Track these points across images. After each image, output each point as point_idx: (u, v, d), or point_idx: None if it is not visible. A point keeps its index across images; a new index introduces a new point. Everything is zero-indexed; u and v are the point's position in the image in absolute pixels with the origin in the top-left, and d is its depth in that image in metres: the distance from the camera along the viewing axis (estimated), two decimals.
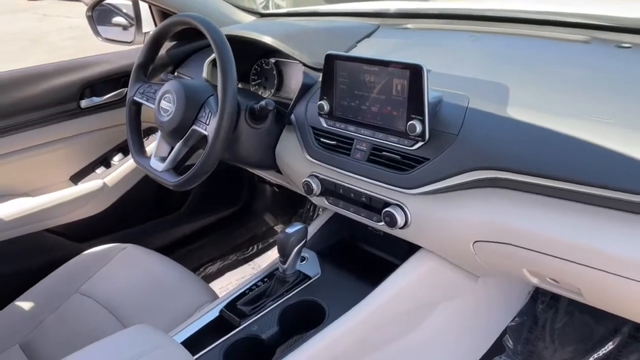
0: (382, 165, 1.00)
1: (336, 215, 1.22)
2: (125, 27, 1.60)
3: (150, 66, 1.27)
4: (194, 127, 1.11)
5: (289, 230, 1.05)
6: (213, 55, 1.40)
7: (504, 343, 1.34)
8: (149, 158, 1.22)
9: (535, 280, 0.96)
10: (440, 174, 0.92)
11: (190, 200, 1.78)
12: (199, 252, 1.83)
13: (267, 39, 1.22)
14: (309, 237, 1.20)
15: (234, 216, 1.91)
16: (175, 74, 1.58)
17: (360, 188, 1.05)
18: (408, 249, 1.09)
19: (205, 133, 1.08)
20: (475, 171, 0.88)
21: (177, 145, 1.14)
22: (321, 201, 1.15)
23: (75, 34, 6.92)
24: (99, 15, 1.64)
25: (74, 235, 1.55)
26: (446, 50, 1.18)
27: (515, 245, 0.88)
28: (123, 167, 1.59)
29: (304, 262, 1.15)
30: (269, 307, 1.03)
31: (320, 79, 1.09)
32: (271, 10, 1.73)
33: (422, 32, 1.35)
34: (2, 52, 6.34)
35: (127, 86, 1.28)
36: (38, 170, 1.51)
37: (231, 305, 1.05)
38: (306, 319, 1.01)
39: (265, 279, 1.11)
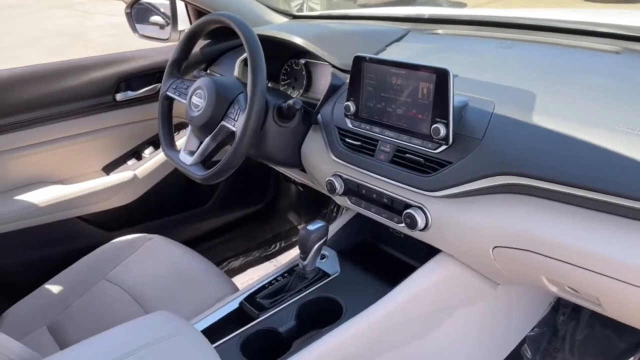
0: (405, 167, 1.01)
1: (358, 216, 1.23)
2: (161, 25, 1.65)
3: (184, 63, 1.30)
4: (223, 122, 1.14)
5: (311, 227, 1.07)
6: (245, 54, 1.44)
7: (522, 353, 1.33)
8: (178, 151, 1.26)
9: (554, 289, 0.95)
10: (463, 178, 0.92)
11: (217, 195, 1.82)
12: (223, 247, 1.86)
13: (298, 40, 1.24)
14: (330, 235, 1.22)
15: (258, 213, 1.94)
16: (208, 71, 1.62)
17: (382, 189, 1.06)
18: (428, 252, 1.09)
19: (234, 129, 1.11)
20: (497, 176, 0.89)
21: (206, 140, 1.17)
22: (344, 201, 1.17)
23: (114, 32, 7.09)
24: (137, 12, 1.69)
25: (103, 224, 1.60)
26: (475, 56, 1.18)
27: (535, 252, 0.87)
28: (153, 160, 1.63)
29: (324, 260, 1.17)
30: (287, 301, 1.05)
31: (347, 80, 1.11)
32: (304, 13, 1.75)
33: (452, 38, 1.35)
34: (45, 47, 6.55)
35: (161, 81, 1.33)
36: (72, 159, 1.57)
37: (251, 298, 1.08)
38: (323, 315, 1.02)
39: (285, 274, 1.14)
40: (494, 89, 0.99)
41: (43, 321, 1.22)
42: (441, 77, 0.92)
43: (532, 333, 1.34)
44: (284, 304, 1.05)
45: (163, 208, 1.70)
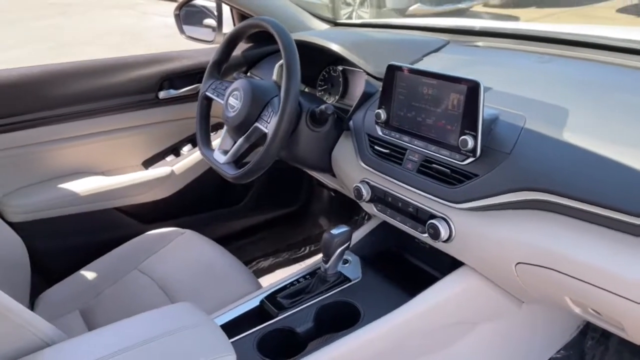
0: (431, 178, 1.01)
1: (384, 224, 1.24)
2: (207, 27, 1.70)
3: (224, 65, 1.34)
4: (257, 124, 1.17)
5: (334, 231, 1.08)
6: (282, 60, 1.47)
7: None
8: (213, 150, 1.29)
9: (577, 310, 0.93)
10: (488, 191, 0.91)
11: (251, 195, 1.85)
12: (253, 247, 1.89)
13: (334, 47, 1.26)
14: (355, 241, 1.23)
15: (290, 216, 1.96)
16: (248, 74, 1.66)
17: (408, 198, 1.06)
18: (452, 265, 1.08)
19: (266, 131, 1.13)
20: (523, 191, 0.88)
21: (240, 141, 1.20)
22: (370, 207, 1.18)
23: (169, 32, 7.32)
24: (186, 14, 1.75)
25: (139, 216, 1.66)
26: (512, 69, 1.17)
27: (558, 271, 0.86)
28: (191, 157, 1.68)
29: (347, 264, 1.18)
30: (307, 303, 1.07)
31: (380, 88, 1.11)
32: (345, 20, 1.77)
33: (491, 51, 1.34)
34: (105, 45, 6.83)
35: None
36: (115, 152, 1.64)
37: (271, 297, 1.10)
38: (341, 319, 1.03)
39: (307, 276, 1.15)
40: (527, 103, 0.98)
41: (76, 305, 1.27)
42: (472, 88, 0.92)
43: (557, 355, 1.30)
44: (303, 305, 1.06)
45: (197, 204, 1.75)
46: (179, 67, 1.62)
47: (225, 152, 1.24)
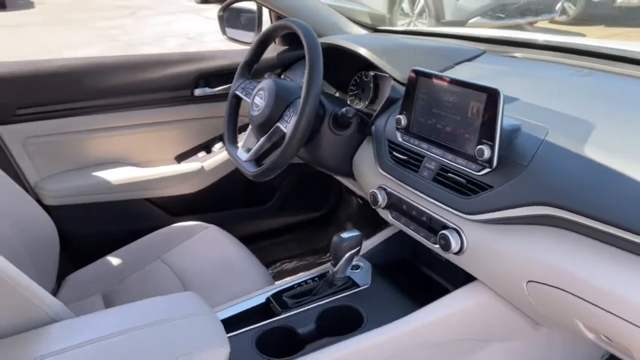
0: (446, 187, 0.98)
1: (401, 233, 1.21)
2: (247, 30, 1.73)
3: (255, 65, 1.36)
4: (278, 124, 1.18)
5: (344, 235, 1.07)
6: None
7: None
8: (238, 148, 1.31)
9: (591, 336, 0.88)
10: (502, 204, 0.88)
11: (278, 196, 1.86)
12: (278, 248, 1.90)
13: (362, 51, 1.26)
14: (369, 248, 1.21)
15: (317, 220, 1.96)
16: (282, 76, 1.68)
17: (422, 206, 1.04)
18: (466, 279, 1.05)
19: (285, 131, 1.14)
20: (537, 206, 0.84)
21: (262, 140, 1.21)
22: (386, 214, 1.16)
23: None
24: (228, 16, 1.79)
25: (168, 208, 1.70)
26: (545, 81, 1.12)
27: (569, 292, 0.81)
28: (221, 155, 1.71)
29: (358, 270, 1.16)
30: (311, 304, 1.06)
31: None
32: (386, 27, 1.76)
33: (527, 62, 1.30)
34: (166, 47, 7.10)
35: None
36: (149, 145, 1.69)
37: (277, 295, 1.10)
38: (343, 324, 1.02)
39: (316, 279, 1.14)
40: (553, 116, 0.94)
41: (99, 289, 1.32)
42: (491, 97, 0.89)
43: None
44: (307, 306, 1.06)
45: (225, 201, 1.77)
46: (214, 66, 1.66)
47: (248, 150, 1.26)
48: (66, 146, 1.57)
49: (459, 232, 0.96)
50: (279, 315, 1.04)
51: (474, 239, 0.94)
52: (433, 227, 1.02)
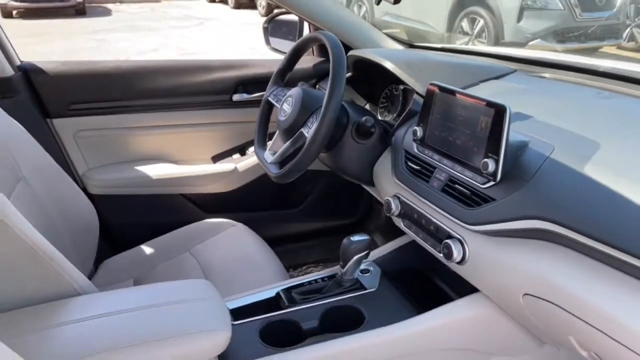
0: (453, 198, 1.01)
1: (413, 243, 1.24)
2: (289, 41, 1.82)
3: (288, 73, 1.44)
4: (302, 129, 1.24)
5: (354, 238, 1.11)
6: (348, 74, 1.54)
7: None
8: (265, 150, 1.39)
9: (584, 354, 0.88)
10: (501, 216, 0.90)
11: (308, 201, 1.92)
12: (305, 252, 1.95)
13: (388, 64, 1.30)
14: (381, 254, 1.25)
15: (345, 228, 2.00)
16: (317, 86, 1.75)
17: (430, 216, 1.07)
18: (472, 291, 1.07)
19: (307, 135, 1.20)
20: (535, 220, 0.86)
21: (287, 144, 1.28)
22: (398, 222, 1.19)
23: None
24: (273, 27, 1.89)
25: (201, 205, 1.80)
26: (565, 101, 1.13)
27: (562, 308, 0.82)
28: (254, 157, 1.80)
29: (367, 274, 1.20)
30: (317, 302, 1.11)
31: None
32: (423, 44, 1.80)
33: (553, 82, 1.30)
34: (221, 56, 7.39)
35: None
36: (188, 145, 1.80)
37: (287, 291, 1.15)
38: (345, 323, 1.06)
39: (326, 278, 1.19)
40: (563, 134, 0.95)
41: (131, 275, 1.41)
42: (498, 112, 0.92)
43: None
44: (313, 303, 1.11)
45: (256, 202, 1.85)
46: (253, 74, 1.75)
47: (274, 153, 1.33)
48: (113, 141, 1.70)
49: (461, 242, 0.98)
50: (285, 308, 1.09)
51: (476, 250, 0.96)
52: (439, 236, 1.05)
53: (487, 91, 1.23)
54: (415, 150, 1.14)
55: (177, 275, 1.39)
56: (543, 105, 1.10)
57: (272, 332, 1.05)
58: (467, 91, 1.01)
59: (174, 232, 1.56)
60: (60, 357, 0.81)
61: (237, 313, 1.08)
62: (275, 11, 1.89)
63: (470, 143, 0.98)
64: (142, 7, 13.15)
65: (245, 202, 1.82)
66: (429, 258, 1.21)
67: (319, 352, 0.99)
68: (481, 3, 6.12)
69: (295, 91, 1.29)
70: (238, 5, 12.40)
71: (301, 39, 1.36)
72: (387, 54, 1.37)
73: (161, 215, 1.74)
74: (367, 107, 1.58)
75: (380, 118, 1.50)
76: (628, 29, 5.97)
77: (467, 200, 0.98)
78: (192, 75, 1.70)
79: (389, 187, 1.21)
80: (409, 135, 1.18)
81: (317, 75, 1.75)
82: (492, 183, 0.93)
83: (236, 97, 1.76)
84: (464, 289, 1.12)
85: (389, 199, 1.17)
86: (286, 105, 1.29)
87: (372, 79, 1.53)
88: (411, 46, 1.78)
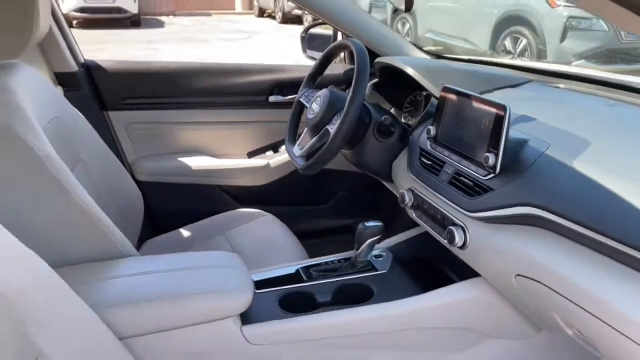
0: (458, 189, 1.11)
1: (426, 234, 1.34)
2: (324, 49, 1.96)
3: (319, 77, 1.57)
4: (327, 126, 1.37)
5: (367, 224, 1.23)
6: (375, 79, 1.66)
7: None
8: (295, 146, 1.52)
9: (570, 332, 0.96)
10: (497, 203, 1.00)
11: (337, 198, 2.05)
12: (329, 247, 2.04)
13: (409, 70, 1.42)
14: (395, 242, 1.36)
15: None
16: (347, 91, 1.88)
17: (438, 206, 1.18)
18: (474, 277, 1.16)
19: (331, 132, 1.33)
20: (527, 207, 0.95)
21: (313, 139, 1.41)
22: (411, 213, 1.30)
23: None
24: (309, 37, 2.04)
25: (235, 196, 1.95)
26: (570, 108, 1.22)
27: (548, 287, 0.91)
28: (286, 155, 1.94)
29: (380, 258, 1.32)
30: (332, 279, 1.23)
31: None
32: (449, 55, 1.90)
33: (565, 92, 1.38)
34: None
35: None
36: (226, 140, 1.97)
37: (306, 268, 1.28)
38: (356, 299, 1.17)
39: (341, 260, 1.31)
40: (560, 134, 1.04)
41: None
42: (500, 111, 1.02)
43: None
44: (328, 279, 1.23)
45: (286, 197, 1.99)
46: (288, 77, 1.90)
47: (302, 148, 1.46)
48: (160, 133, 1.89)
49: (463, 229, 1.08)
50: (303, 282, 1.22)
51: (476, 235, 1.06)
52: (445, 224, 1.15)
53: (500, 97, 1.33)
54: (429, 147, 1.25)
55: None
56: (549, 110, 1.19)
57: (290, 301, 1.17)
58: (472, 93, 1.12)
59: (210, 218, 1.72)
60: (111, 302, 0.97)
61: (260, 284, 1.21)
62: (312, 22, 2.05)
63: (475, 140, 1.09)
64: (193, 20, 13.71)
65: (275, 196, 1.97)
66: (439, 248, 1.32)
67: (329, 319, 1.10)
68: (525, 22, 6.11)
69: (323, 92, 1.43)
70: (285, 20, 12.79)
71: (331, 45, 1.50)
72: (411, 62, 1.49)
73: (199, 204, 1.90)
74: (392, 111, 1.70)
75: (403, 122, 1.61)
76: None
77: (470, 190, 1.08)
78: (233, 77, 1.87)
79: (404, 181, 1.32)
80: (424, 134, 1.29)
81: (347, 81, 1.88)
82: (492, 175, 1.03)
83: (272, 98, 1.92)
84: (469, 276, 1.21)
85: (404, 191, 1.29)
86: (315, 104, 1.43)
87: (397, 85, 1.65)
88: (438, 57, 1.88)
